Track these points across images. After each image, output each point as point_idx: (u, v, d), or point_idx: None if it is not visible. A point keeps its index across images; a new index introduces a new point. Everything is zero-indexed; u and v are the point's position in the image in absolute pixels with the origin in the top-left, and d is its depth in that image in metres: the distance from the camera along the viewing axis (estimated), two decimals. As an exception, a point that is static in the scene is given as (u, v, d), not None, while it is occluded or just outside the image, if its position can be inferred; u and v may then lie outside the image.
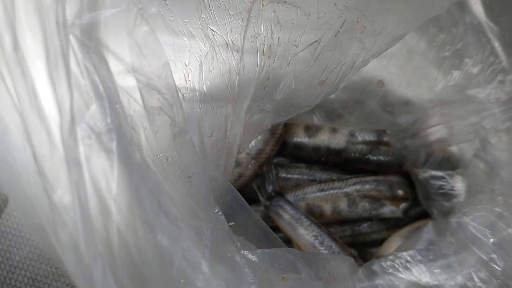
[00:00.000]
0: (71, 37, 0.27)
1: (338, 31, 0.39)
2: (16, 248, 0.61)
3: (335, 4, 0.37)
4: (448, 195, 0.57)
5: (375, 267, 0.48)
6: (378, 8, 0.37)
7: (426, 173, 0.58)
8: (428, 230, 0.50)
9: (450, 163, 0.57)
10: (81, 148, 0.25)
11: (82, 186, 0.24)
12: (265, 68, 0.45)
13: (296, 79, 0.45)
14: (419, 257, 0.47)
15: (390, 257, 0.48)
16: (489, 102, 0.48)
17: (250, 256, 0.39)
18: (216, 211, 0.41)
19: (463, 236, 0.47)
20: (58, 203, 0.23)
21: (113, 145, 0.27)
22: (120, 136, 0.28)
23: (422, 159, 0.58)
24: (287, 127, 0.64)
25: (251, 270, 0.34)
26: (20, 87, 0.23)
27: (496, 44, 0.46)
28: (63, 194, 0.23)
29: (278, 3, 0.38)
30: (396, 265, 0.48)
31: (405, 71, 0.52)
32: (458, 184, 0.56)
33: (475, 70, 0.49)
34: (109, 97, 0.28)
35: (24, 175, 0.24)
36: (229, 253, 0.34)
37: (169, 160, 0.37)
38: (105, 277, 0.23)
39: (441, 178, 0.57)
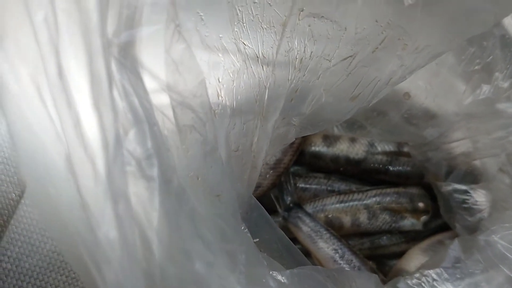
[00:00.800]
0: (111, 58, 0.25)
1: (377, 48, 0.37)
2: (25, 256, 0.60)
3: (376, 21, 0.36)
4: (472, 210, 0.56)
5: (401, 285, 0.47)
6: (422, 25, 0.36)
7: (449, 186, 0.57)
8: (454, 247, 0.49)
9: (473, 177, 0.56)
10: (125, 179, 0.24)
11: (127, 220, 0.23)
12: (294, 81, 0.43)
13: (326, 93, 0.44)
14: (445, 275, 0.46)
15: (416, 275, 0.47)
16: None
17: (279, 277, 0.38)
18: (243, 228, 0.40)
19: (491, 254, 0.46)
20: (103, 239, 0.22)
21: (154, 172, 0.26)
22: (160, 161, 0.26)
23: (444, 171, 0.57)
24: (305, 136, 0.63)
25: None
26: (65, 115, 0.22)
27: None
28: (108, 229, 0.22)
29: (314, 17, 0.37)
30: (422, 283, 0.47)
31: (433, 84, 0.51)
32: (482, 199, 0.55)
33: (505, 84, 0.48)
34: (148, 119, 0.27)
35: (67, 209, 0.23)
36: (262, 278, 0.33)
37: (199, 179, 0.36)
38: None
39: (465, 192, 0.56)
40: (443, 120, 0.53)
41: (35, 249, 0.61)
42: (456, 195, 0.57)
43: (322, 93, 0.44)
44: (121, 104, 0.25)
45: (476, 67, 0.49)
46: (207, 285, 0.28)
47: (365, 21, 0.36)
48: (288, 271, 0.39)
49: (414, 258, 0.59)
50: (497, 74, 0.49)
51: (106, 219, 0.22)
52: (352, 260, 0.58)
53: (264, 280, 0.33)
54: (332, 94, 0.43)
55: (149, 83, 0.30)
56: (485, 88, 0.49)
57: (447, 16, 0.36)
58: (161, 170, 0.26)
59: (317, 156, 0.64)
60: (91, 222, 0.22)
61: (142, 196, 0.26)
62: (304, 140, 0.63)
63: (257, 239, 0.46)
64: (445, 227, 0.62)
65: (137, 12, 0.28)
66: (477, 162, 0.56)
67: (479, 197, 0.56)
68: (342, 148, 0.64)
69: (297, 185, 0.64)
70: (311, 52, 0.41)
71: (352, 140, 0.64)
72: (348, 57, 0.40)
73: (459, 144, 0.54)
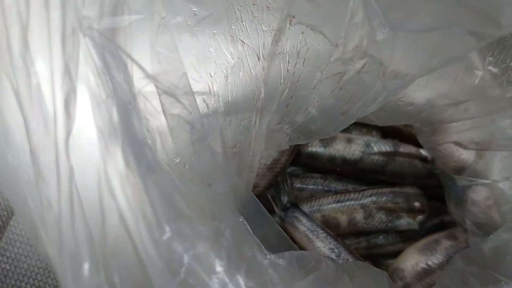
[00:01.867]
0: (86, 38, 0.27)
1: (360, 71, 0.39)
2: (24, 256, 0.61)
3: (357, 46, 0.37)
4: (485, 206, 0.55)
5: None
6: (399, 57, 0.37)
7: (463, 181, 0.56)
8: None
9: (489, 172, 0.55)
10: (86, 151, 0.25)
11: (74, 185, 0.24)
12: (288, 85, 0.45)
13: (319, 104, 0.45)
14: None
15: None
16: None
17: (273, 257, 0.38)
18: (241, 220, 0.41)
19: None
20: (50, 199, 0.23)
21: (117, 147, 0.27)
22: (129, 135, 0.28)
23: (455, 162, 0.56)
24: (303, 137, 0.64)
25: (275, 270, 0.34)
26: (25, 86, 0.24)
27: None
28: (62, 203, 0.23)
29: (306, 26, 0.39)
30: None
31: None
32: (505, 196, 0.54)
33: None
34: (120, 96, 0.28)
35: (21, 172, 0.24)
36: (249, 252, 0.34)
37: (186, 166, 0.38)
38: (94, 275, 0.23)
39: (479, 187, 0.55)
40: (437, 103, 0.52)
41: (34, 249, 0.61)
42: (471, 190, 0.56)
43: (315, 104, 0.45)
44: (93, 79, 0.27)
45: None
46: (178, 256, 0.29)
47: (349, 43, 0.38)
48: (286, 253, 0.39)
49: (410, 257, 0.59)
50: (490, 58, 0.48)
51: (61, 191, 0.23)
52: (348, 260, 0.58)
53: (251, 255, 0.34)
54: (324, 107, 0.44)
55: (135, 70, 0.32)
56: (477, 74, 0.48)
57: (423, 47, 0.37)
58: (129, 143, 0.27)
59: (314, 156, 0.65)
60: (38, 183, 0.23)
61: (110, 166, 0.27)
62: (301, 141, 0.64)
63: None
64: (442, 227, 0.63)
65: (121, 1, 0.30)
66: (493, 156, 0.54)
67: (494, 193, 0.55)
68: (339, 149, 0.64)
69: (294, 185, 0.64)
70: (304, 60, 0.42)
71: (349, 141, 0.65)
72: (338, 73, 0.42)
73: (465, 128, 0.53)
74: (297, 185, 0.65)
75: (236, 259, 0.31)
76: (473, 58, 0.46)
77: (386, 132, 0.68)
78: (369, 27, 0.35)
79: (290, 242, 0.50)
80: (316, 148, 0.65)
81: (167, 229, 0.28)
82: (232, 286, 0.29)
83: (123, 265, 0.26)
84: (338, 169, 0.65)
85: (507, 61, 0.44)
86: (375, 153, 0.64)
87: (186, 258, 0.28)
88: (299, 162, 0.66)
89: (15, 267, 0.61)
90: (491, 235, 0.47)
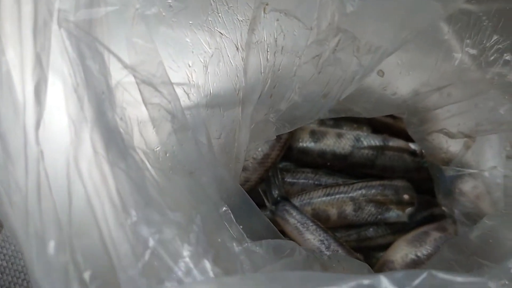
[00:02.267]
0: (62, 30, 0.28)
1: (335, 49, 0.39)
2: (20, 253, 0.62)
3: (329, 24, 0.38)
4: (473, 196, 0.55)
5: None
6: (371, 29, 0.37)
7: (451, 171, 0.57)
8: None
9: (477, 162, 0.55)
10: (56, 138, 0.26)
11: (42, 168, 0.25)
12: (270, 75, 0.45)
13: (300, 90, 0.46)
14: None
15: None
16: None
17: (250, 244, 0.39)
18: (224, 209, 0.41)
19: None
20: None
21: (88, 130, 0.28)
22: (100, 122, 0.29)
23: (444, 152, 0.57)
24: (293, 132, 0.64)
25: (247, 257, 0.34)
26: None
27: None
28: (22, 172, 0.24)
29: (280, 12, 0.39)
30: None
31: (404, 59, 0.51)
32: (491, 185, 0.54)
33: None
34: (93, 86, 0.29)
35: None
36: (220, 238, 0.34)
37: (167, 154, 0.38)
38: (59, 253, 0.24)
39: (467, 177, 0.55)
40: (421, 91, 0.52)
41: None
42: (458, 180, 0.56)
43: (296, 90, 0.46)
44: (66, 70, 0.28)
45: (446, 37, 0.48)
46: (143, 239, 0.29)
47: (323, 23, 0.38)
48: (263, 241, 0.40)
49: (400, 249, 0.60)
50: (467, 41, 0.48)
51: (29, 173, 0.24)
52: (338, 251, 0.59)
53: (220, 240, 0.34)
54: (305, 92, 0.45)
55: (108, 61, 0.33)
56: (456, 56, 0.48)
57: (392, 17, 0.37)
58: (99, 131, 0.28)
59: (305, 151, 0.66)
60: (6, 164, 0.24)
61: (69, 154, 0.28)
62: (292, 136, 0.65)
63: (241, 226, 0.47)
64: (431, 219, 0.63)
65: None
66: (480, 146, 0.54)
67: (482, 183, 0.55)
68: (329, 143, 0.65)
69: (285, 179, 0.65)
70: (282, 47, 0.43)
71: (339, 136, 0.65)
72: (315, 56, 0.42)
73: (451, 115, 0.53)
74: (288, 179, 0.65)
75: (205, 245, 0.31)
76: (451, 42, 0.47)
77: (376, 128, 0.69)
78: (339, 1, 0.36)
79: (277, 232, 0.50)
80: (307, 143, 0.66)
81: (133, 213, 0.29)
82: (198, 271, 0.29)
83: (88, 245, 0.27)
84: (328, 164, 0.65)
85: (484, 42, 0.45)
86: (364, 147, 0.64)
87: (151, 242, 0.28)
88: (291, 157, 0.67)
89: (11, 264, 0.62)
90: (477, 224, 0.47)
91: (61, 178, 0.27)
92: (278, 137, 0.63)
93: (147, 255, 0.29)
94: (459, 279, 0.26)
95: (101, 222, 0.28)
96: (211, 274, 0.30)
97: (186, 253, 0.31)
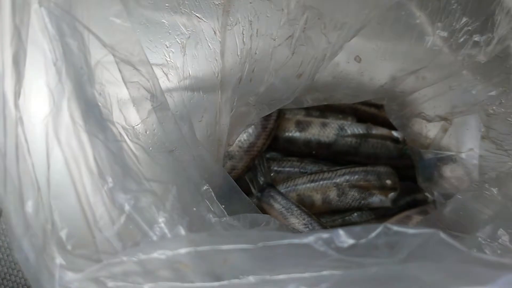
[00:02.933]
0: (42, 9, 0.30)
1: (305, 28, 0.41)
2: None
3: (297, 2, 0.40)
4: (451, 178, 0.57)
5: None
6: (334, 5, 0.39)
7: (430, 154, 0.58)
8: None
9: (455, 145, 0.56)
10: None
11: (21, 131, 0.27)
12: (248, 59, 0.47)
13: (276, 72, 0.48)
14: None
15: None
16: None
17: (229, 218, 0.40)
18: (205, 188, 0.43)
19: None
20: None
21: (65, 100, 0.30)
22: (78, 94, 0.30)
23: (424, 136, 0.58)
24: (279, 121, 0.66)
25: (223, 227, 0.36)
26: None
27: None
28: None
29: None
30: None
31: (379, 44, 0.53)
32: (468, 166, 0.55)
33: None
34: (72, 61, 0.31)
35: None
36: (194, 207, 0.36)
37: (147, 132, 0.40)
38: (37, 212, 0.26)
39: (446, 159, 0.57)
40: (398, 74, 0.54)
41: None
42: (437, 163, 0.58)
43: (273, 72, 0.48)
44: (46, 45, 0.30)
45: (417, 21, 0.50)
46: (119, 204, 0.31)
47: (291, 2, 0.40)
48: (242, 215, 0.41)
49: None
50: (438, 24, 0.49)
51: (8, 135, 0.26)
52: (322, 235, 0.60)
53: (195, 209, 0.36)
54: (281, 73, 0.47)
55: (88, 40, 0.35)
56: (428, 39, 0.50)
57: None
58: (75, 104, 0.30)
59: (291, 141, 0.67)
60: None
61: (48, 122, 0.30)
62: (278, 126, 0.67)
63: (223, 206, 0.49)
64: (414, 204, 0.64)
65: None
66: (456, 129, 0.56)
67: (459, 164, 0.56)
68: (314, 132, 0.67)
69: (272, 168, 0.67)
70: (257, 29, 0.45)
71: (323, 125, 0.67)
72: (289, 37, 0.44)
73: (427, 98, 0.55)
74: (275, 167, 0.67)
75: (180, 212, 0.33)
76: (423, 26, 0.48)
77: (361, 118, 0.70)
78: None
79: (258, 212, 0.52)
80: (292, 133, 0.67)
81: (110, 180, 0.30)
82: (172, 235, 0.31)
83: (65, 206, 0.29)
84: (313, 152, 0.67)
85: (454, 24, 0.46)
86: (348, 135, 0.66)
87: (127, 207, 0.30)
88: (277, 147, 0.69)
89: (7, 255, 0.64)
90: (450, 199, 0.49)
91: (40, 142, 0.28)
92: (264, 126, 0.65)
93: (122, 219, 0.31)
94: (411, 231, 0.27)
95: (78, 186, 0.29)
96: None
97: (161, 219, 0.32)
